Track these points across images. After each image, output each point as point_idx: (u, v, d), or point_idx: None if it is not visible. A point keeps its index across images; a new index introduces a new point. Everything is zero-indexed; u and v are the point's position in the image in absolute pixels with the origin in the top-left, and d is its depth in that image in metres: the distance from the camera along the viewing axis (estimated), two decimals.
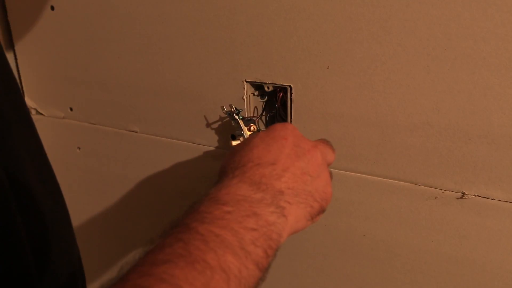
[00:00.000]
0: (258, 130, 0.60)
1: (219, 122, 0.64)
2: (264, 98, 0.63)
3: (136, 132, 0.76)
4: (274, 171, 0.39)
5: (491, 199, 0.50)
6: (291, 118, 0.59)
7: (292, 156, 0.42)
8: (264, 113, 0.63)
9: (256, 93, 0.63)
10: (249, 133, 0.58)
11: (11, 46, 0.87)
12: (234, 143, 0.57)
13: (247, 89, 0.62)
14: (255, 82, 0.61)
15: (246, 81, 0.61)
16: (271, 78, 0.59)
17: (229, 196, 0.35)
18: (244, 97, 0.62)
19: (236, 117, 0.58)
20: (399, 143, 0.53)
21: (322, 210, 0.42)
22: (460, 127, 0.50)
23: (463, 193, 0.52)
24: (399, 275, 0.59)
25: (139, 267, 0.30)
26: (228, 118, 0.63)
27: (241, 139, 0.58)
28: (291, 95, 0.58)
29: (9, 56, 0.87)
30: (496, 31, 0.45)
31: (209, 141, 0.68)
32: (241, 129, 0.58)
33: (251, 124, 0.59)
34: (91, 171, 0.85)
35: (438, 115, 0.50)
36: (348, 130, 0.56)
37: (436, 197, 0.53)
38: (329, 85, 0.55)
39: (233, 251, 0.31)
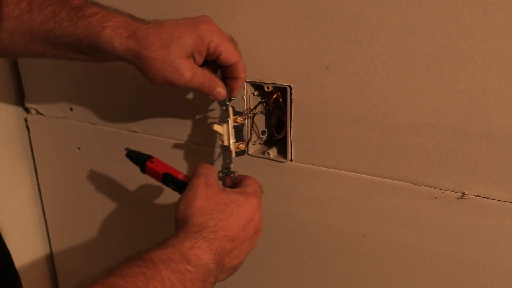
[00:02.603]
0: (242, 125, 0.59)
1: (252, 122, 0.64)
2: (264, 98, 0.63)
3: (136, 132, 0.76)
4: (231, 249, 0.48)
5: (491, 199, 0.50)
6: (291, 118, 0.59)
7: (247, 235, 0.49)
8: (253, 110, 0.62)
9: (256, 93, 0.63)
10: (232, 123, 0.58)
11: None
12: (216, 127, 0.57)
13: (247, 89, 0.62)
14: (255, 82, 0.61)
15: (246, 81, 0.61)
16: (271, 78, 0.59)
17: (195, 258, 0.43)
18: (244, 97, 0.62)
19: (228, 103, 0.58)
20: (399, 143, 0.53)
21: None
22: (460, 127, 0.50)
23: (463, 193, 0.52)
24: (399, 275, 0.59)
25: (99, 286, 0.36)
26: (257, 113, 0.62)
27: (224, 126, 0.58)
28: (291, 95, 0.58)
29: None
30: (496, 31, 0.45)
31: (209, 141, 0.68)
32: (228, 116, 0.58)
33: (238, 116, 0.59)
34: (91, 171, 0.85)
35: (438, 115, 0.50)
36: (348, 130, 0.56)
37: (436, 197, 0.53)
38: (329, 85, 0.55)
39: None
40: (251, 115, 0.62)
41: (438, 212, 0.53)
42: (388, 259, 0.59)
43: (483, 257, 0.52)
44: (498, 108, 0.47)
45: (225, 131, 0.58)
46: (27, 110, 0.90)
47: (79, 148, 0.85)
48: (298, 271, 0.67)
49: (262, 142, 0.66)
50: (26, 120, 0.90)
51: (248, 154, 0.65)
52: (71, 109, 0.83)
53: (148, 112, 0.73)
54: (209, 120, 0.66)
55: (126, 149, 0.61)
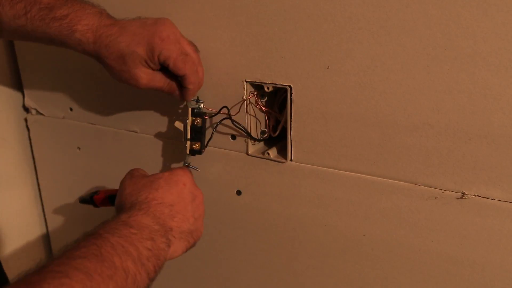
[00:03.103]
0: (201, 127, 0.62)
1: (217, 125, 0.64)
2: (264, 98, 0.63)
3: (136, 132, 0.76)
4: (170, 211, 0.51)
5: (491, 199, 0.50)
6: (291, 118, 0.59)
7: (186, 200, 0.54)
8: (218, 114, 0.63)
9: (256, 92, 0.63)
10: (190, 124, 0.62)
11: (11, 46, 0.87)
12: (177, 124, 0.64)
13: (247, 89, 0.62)
14: (255, 82, 0.61)
15: (246, 81, 0.61)
16: (271, 78, 0.59)
17: (135, 223, 0.46)
18: (244, 97, 0.62)
19: (187, 104, 0.62)
20: (399, 143, 0.53)
21: (194, 244, 0.55)
22: (460, 127, 0.50)
23: (463, 193, 0.52)
24: (399, 275, 0.59)
25: (57, 259, 0.37)
26: (227, 119, 0.63)
27: (182, 124, 0.63)
28: (291, 95, 0.58)
29: (9, 56, 0.87)
30: (496, 31, 0.45)
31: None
32: (187, 117, 0.62)
33: (198, 118, 0.62)
34: (91, 171, 0.85)
35: (438, 115, 0.50)
36: (348, 130, 0.56)
37: (436, 197, 0.53)
38: (329, 85, 0.55)
39: (133, 260, 0.41)
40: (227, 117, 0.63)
41: (438, 212, 0.53)
42: (388, 259, 0.59)
43: (483, 257, 0.52)
44: (498, 108, 0.47)
45: (183, 129, 0.63)
46: (27, 110, 0.90)
47: (79, 148, 0.85)
48: (298, 271, 0.67)
49: (254, 142, 0.66)
50: (26, 120, 0.90)
51: (248, 154, 0.65)
52: (71, 109, 0.83)
53: (148, 112, 0.73)
54: (209, 121, 0.66)
55: (78, 198, 0.71)
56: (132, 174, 0.57)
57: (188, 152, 0.63)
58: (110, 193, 0.67)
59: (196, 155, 0.64)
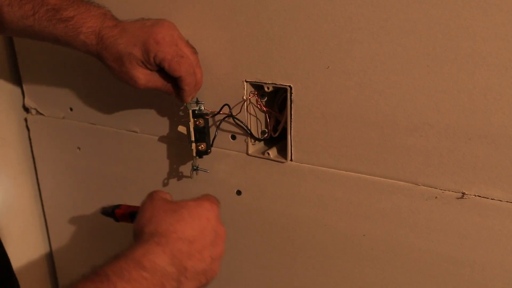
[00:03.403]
0: (204, 127, 0.62)
1: (220, 123, 0.64)
2: (264, 98, 0.63)
3: (136, 132, 0.76)
4: (189, 249, 0.47)
5: (491, 199, 0.50)
6: (291, 118, 0.59)
7: (207, 238, 0.49)
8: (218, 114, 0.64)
9: (256, 92, 0.63)
10: (193, 125, 0.62)
11: (11, 46, 0.87)
12: (180, 128, 0.64)
13: (247, 89, 0.62)
14: (255, 82, 0.61)
15: (246, 81, 0.61)
16: (271, 78, 0.59)
17: (150, 264, 0.43)
18: (244, 97, 0.62)
19: (187, 106, 0.62)
20: (399, 143, 0.53)
21: (206, 285, 0.51)
22: (460, 127, 0.50)
23: (463, 193, 0.52)
24: (399, 275, 0.59)
25: None
26: (230, 117, 0.63)
27: (185, 127, 0.63)
28: (291, 95, 0.58)
29: (9, 56, 0.87)
30: (496, 31, 0.45)
31: None
32: (189, 119, 0.62)
33: (200, 119, 0.62)
34: (91, 171, 0.85)
35: (438, 115, 0.50)
36: (348, 130, 0.56)
37: (436, 197, 0.53)
38: (329, 85, 0.55)
39: None
40: (228, 117, 0.63)
41: (438, 212, 0.53)
42: (388, 259, 0.59)
43: (483, 257, 0.52)
44: (498, 108, 0.47)
45: (187, 132, 0.63)
46: (27, 110, 0.90)
47: (79, 148, 0.85)
48: (298, 271, 0.67)
49: (254, 142, 0.66)
50: (26, 120, 0.90)
51: (248, 154, 0.65)
52: (71, 109, 0.83)
53: (148, 112, 0.73)
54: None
55: (100, 208, 0.70)
56: (152, 197, 0.53)
57: (194, 154, 0.63)
58: (132, 210, 0.64)
59: (204, 156, 0.64)
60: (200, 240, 0.48)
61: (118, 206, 0.66)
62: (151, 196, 0.53)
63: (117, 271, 0.40)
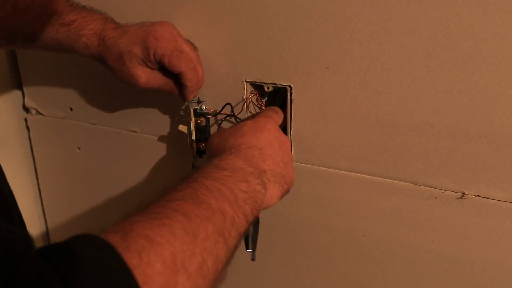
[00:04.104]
0: (205, 126, 0.62)
1: (221, 122, 0.64)
2: (264, 98, 0.63)
3: (136, 132, 0.76)
4: (261, 154, 0.50)
5: (491, 199, 0.50)
6: (291, 118, 0.59)
7: (274, 145, 0.52)
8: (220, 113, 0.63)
9: (256, 92, 0.63)
10: (194, 124, 0.63)
11: None
12: (181, 127, 0.64)
13: (247, 89, 0.62)
14: (255, 82, 0.61)
15: (246, 81, 0.61)
16: (271, 78, 0.59)
17: (228, 165, 0.45)
18: (245, 97, 0.62)
19: (189, 104, 0.62)
20: (399, 143, 0.53)
21: (288, 191, 0.53)
22: (460, 127, 0.50)
23: (463, 193, 0.52)
24: (399, 275, 0.59)
25: (157, 202, 0.37)
26: (227, 118, 0.63)
27: (186, 126, 0.63)
28: (291, 95, 0.58)
29: (9, 56, 0.87)
30: (496, 31, 0.45)
31: None
32: (190, 118, 0.62)
33: (201, 118, 0.62)
34: (91, 171, 0.85)
35: (438, 115, 0.50)
36: (348, 130, 0.56)
37: (436, 197, 0.53)
38: (329, 85, 0.55)
39: (229, 202, 0.40)
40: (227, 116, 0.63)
41: (438, 212, 0.53)
42: (388, 259, 0.59)
43: (483, 257, 0.52)
44: (498, 108, 0.47)
45: (188, 131, 0.63)
46: (27, 110, 0.90)
47: (79, 148, 0.85)
48: (298, 271, 0.67)
49: None
50: (26, 120, 0.90)
51: None
52: (71, 109, 0.83)
53: (148, 112, 0.73)
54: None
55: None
56: (219, 131, 0.55)
57: (195, 153, 0.63)
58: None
59: (204, 156, 0.64)
60: (267, 147, 0.51)
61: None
62: (217, 130, 0.56)
63: (201, 174, 0.43)
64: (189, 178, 0.42)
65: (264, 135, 0.52)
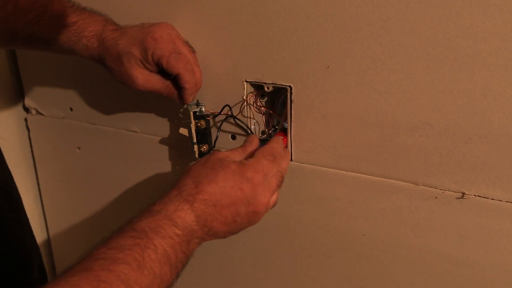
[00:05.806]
0: (206, 128, 0.62)
1: (221, 124, 0.64)
2: (264, 98, 0.63)
3: (136, 132, 0.76)
4: (219, 216, 0.48)
5: (491, 199, 0.50)
6: (291, 118, 0.59)
7: (239, 210, 0.49)
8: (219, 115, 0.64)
9: (256, 92, 0.63)
10: (195, 127, 0.62)
11: None
12: (181, 130, 0.64)
13: (247, 89, 0.62)
14: (255, 82, 0.61)
15: (246, 81, 0.61)
16: (271, 78, 0.59)
17: (180, 220, 0.45)
18: (244, 97, 0.62)
19: (188, 107, 0.62)
20: (399, 143, 0.53)
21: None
22: (460, 127, 0.50)
23: (463, 193, 0.52)
24: (399, 275, 0.59)
25: (102, 260, 0.39)
26: (226, 119, 0.63)
27: (187, 129, 0.63)
28: (291, 95, 0.58)
29: (9, 56, 0.87)
30: (496, 31, 0.45)
31: None
32: (190, 121, 0.62)
33: (201, 120, 0.62)
34: (91, 171, 0.85)
35: (438, 115, 0.50)
36: (348, 130, 0.56)
37: (436, 197, 0.53)
38: (329, 85, 0.55)
39: (170, 265, 0.42)
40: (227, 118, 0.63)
41: (438, 212, 0.54)
42: (388, 259, 0.59)
43: (483, 257, 0.52)
44: (498, 108, 0.47)
45: (188, 134, 0.63)
46: (27, 110, 0.90)
47: (79, 148, 0.85)
48: (298, 271, 0.67)
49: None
50: (26, 120, 0.90)
51: None
52: (71, 109, 0.83)
53: (148, 112, 0.73)
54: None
55: None
56: (213, 153, 0.52)
57: (197, 156, 0.63)
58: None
59: None
60: (228, 207, 0.48)
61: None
62: (213, 153, 0.54)
63: (153, 228, 0.43)
64: (140, 227, 0.43)
65: (233, 194, 0.48)
